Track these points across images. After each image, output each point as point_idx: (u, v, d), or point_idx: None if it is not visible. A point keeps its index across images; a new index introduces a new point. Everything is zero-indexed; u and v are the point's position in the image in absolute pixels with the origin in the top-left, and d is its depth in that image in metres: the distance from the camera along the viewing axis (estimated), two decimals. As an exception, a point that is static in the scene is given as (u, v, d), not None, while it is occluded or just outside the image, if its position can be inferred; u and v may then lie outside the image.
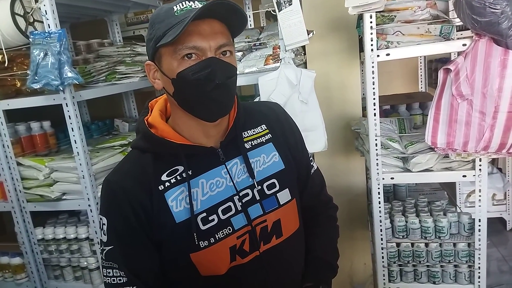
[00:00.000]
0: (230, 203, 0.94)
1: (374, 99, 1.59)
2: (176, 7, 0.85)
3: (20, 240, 2.02)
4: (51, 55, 1.68)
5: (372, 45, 1.53)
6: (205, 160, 0.94)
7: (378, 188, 1.67)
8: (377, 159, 1.64)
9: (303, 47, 2.09)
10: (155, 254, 0.94)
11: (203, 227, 0.91)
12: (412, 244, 1.68)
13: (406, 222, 1.69)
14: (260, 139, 1.02)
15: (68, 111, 1.77)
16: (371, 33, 1.52)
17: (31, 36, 1.67)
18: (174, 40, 0.81)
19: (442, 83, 1.45)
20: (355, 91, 2.04)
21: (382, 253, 1.71)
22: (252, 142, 1.00)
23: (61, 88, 1.71)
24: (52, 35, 1.68)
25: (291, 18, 1.52)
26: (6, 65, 1.76)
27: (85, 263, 2.00)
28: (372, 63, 1.55)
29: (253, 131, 1.02)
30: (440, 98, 1.47)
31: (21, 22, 1.67)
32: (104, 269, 0.94)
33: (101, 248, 0.94)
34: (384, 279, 1.73)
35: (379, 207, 1.68)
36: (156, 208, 0.90)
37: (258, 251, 0.96)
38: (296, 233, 1.03)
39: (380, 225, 1.69)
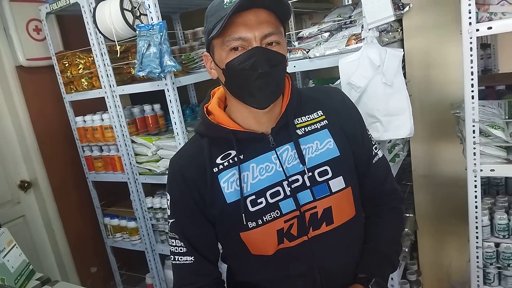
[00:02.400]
0: (279, 188, 0.96)
1: (472, 79, 1.40)
2: None
3: (134, 207, 2.34)
4: (153, 45, 1.87)
5: (470, 18, 1.34)
6: (256, 146, 0.98)
7: (475, 181, 1.48)
8: (474, 148, 1.45)
9: (399, 22, 1.93)
10: (210, 229, 1.02)
11: (251, 209, 0.95)
12: (515, 246, 1.47)
13: (509, 220, 1.48)
14: (315, 125, 1.01)
15: (169, 95, 1.96)
16: (469, 4, 1.33)
17: (137, 29, 1.88)
18: (219, 32, 0.86)
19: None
20: (459, 70, 1.80)
21: (477, 252, 1.53)
22: (305, 128, 1.00)
23: (162, 75, 1.90)
24: (154, 27, 1.87)
25: (375, -7, 1.42)
26: (118, 55, 2.02)
27: (185, 231, 2.22)
28: (470, 38, 1.36)
29: (308, 117, 1.01)
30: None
31: (129, 17, 1.89)
32: (169, 239, 1.05)
33: (167, 220, 1.06)
34: (478, 281, 1.55)
35: (475, 201, 1.50)
36: (210, 188, 0.97)
37: (307, 236, 0.96)
38: (350, 222, 1.00)
39: (476, 222, 1.51)
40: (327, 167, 0.97)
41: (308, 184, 0.96)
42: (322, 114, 1.02)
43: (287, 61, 0.98)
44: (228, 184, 0.97)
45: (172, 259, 1.04)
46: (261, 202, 0.95)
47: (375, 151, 1.08)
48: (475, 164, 1.47)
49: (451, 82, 1.85)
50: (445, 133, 1.92)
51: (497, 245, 1.50)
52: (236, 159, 0.97)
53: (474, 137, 1.44)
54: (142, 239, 2.40)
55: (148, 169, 2.20)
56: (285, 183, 0.96)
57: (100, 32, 1.99)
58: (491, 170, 1.45)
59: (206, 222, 1.01)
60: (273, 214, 0.95)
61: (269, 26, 0.87)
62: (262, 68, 0.87)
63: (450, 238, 2.09)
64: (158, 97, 2.21)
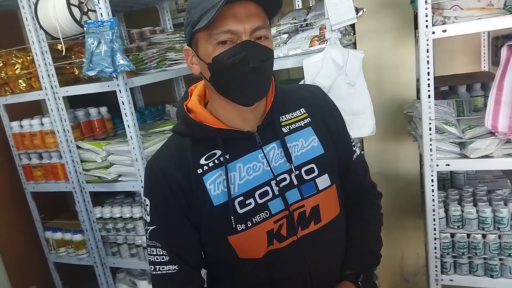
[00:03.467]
0: (267, 188, 0.93)
1: (428, 79, 1.48)
2: None
3: (81, 218, 2.17)
4: (104, 43, 1.75)
5: (427, 21, 1.42)
6: (242, 145, 0.94)
7: (432, 176, 1.57)
8: (431, 144, 1.54)
9: (352, 26, 1.99)
10: (195, 235, 0.96)
11: (240, 211, 0.91)
12: (468, 235, 1.57)
13: (462, 211, 1.58)
14: (299, 123, 0.99)
15: (121, 97, 1.84)
16: (426, 8, 1.41)
17: (85, 25, 1.75)
18: (208, 24, 0.80)
19: (505, 61, 1.31)
20: (409, 72, 1.92)
21: (435, 243, 1.62)
22: (290, 126, 0.98)
23: (114, 75, 1.78)
24: (104, 24, 1.75)
25: (338, -5, 1.45)
26: (63, 53, 1.87)
27: (140, 241, 2.11)
28: (427, 40, 1.44)
29: (292, 115, 1.00)
30: (502, 77, 1.33)
31: (76, 12, 1.76)
32: (148, 248, 0.97)
33: (145, 228, 0.98)
34: (436, 271, 1.64)
35: (433, 195, 1.58)
36: (194, 191, 0.92)
37: (296, 236, 0.95)
38: (336, 219, 1.00)
39: (433, 215, 1.59)
40: (313, 165, 0.97)
41: (295, 182, 0.95)
42: (305, 112, 1.01)
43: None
44: (214, 185, 0.92)
45: (152, 269, 0.96)
46: (250, 203, 0.92)
47: (354, 148, 1.09)
48: (431, 159, 1.55)
49: (402, 84, 1.95)
50: (397, 132, 2.02)
51: (452, 235, 1.60)
52: (222, 159, 0.92)
53: (430, 134, 1.53)
54: (90, 252, 2.23)
55: (97, 177, 2.05)
56: (273, 182, 0.93)
57: (42, 28, 1.81)
58: (446, 165, 1.54)
59: (191, 227, 0.95)
60: (262, 215, 0.92)
61: (259, 19, 0.84)
62: (253, 63, 0.83)
63: (400, 232, 2.19)
64: (98, 99, 2.07)
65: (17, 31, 1.91)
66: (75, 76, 2.11)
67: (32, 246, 2.43)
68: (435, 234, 1.61)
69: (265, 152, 0.94)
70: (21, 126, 2.14)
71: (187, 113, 0.95)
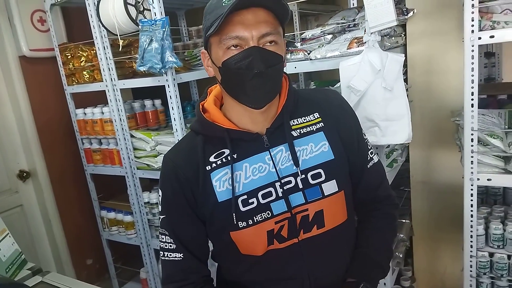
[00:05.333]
0: (271, 189, 0.95)
1: (472, 87, 1.40)
2: None
3: (131, 201, 2.35)
4: (155, 41, 1.87)
5: (473, 25, 1.33)
6: (250, 145, 0.97)
7: (471, 189, 1.48)
8: (472, 157, 1.45)
9: (403, 27, 1.92)
10: (201, 227, 1.01)
11: (242, 209, 0.94)
12: (509, 257, 1.46)
13: (504, 230, 1.47)
14: (311, 127, 1.00)
15: (169, 91, 1.96)
16: (472, 12, 1.32)
17: (140, 24, 1.88)
18: (216, 30, 0.85)
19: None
20: (460, 78, 1.79)
21: (471, 261, 1.52)
22: (301, 130, 0.99)
23: (163, 71, 1.90)
24: (157, 23, 1.87)
25: (378, -4, 1.41)
26: (120, 49, 2.02)
27: (180, 228, 2.22)
28: (472, 46, 1.35)
29: (304, 119, 1.01)
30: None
31: (133, 11, 1.89)
32: (159, 235, 1.05)
33: (158, 216, 1.06)
34: (471, 291, 1.55)
35: (471, 210, 1.49)
36: (202, 186, 0.97)
37: (297, 239, 0.96)
38: (341, 226, 1.00)
39: (471, 231, 1.50)
40: (320, 170, 0.97)
41: (300, 186, 0.96)
42: (318, 116, 1.01)
43: (285, 62, 0.97)
44: (220, 182, 0.96)
45: (161, 254, 1.04)
46: (253, 202, 0.95)
47: (371, 156, 1.07)
48: (472, 172, 1.46)
49: (452, 89, 1.84)
50: (444, 140, 1.91)
51: (491, 255, 1.50)
52: (229, 158, 0.96)
53: (472, 146, 1.44)
54: (137, 233, 2.41)
55: (146, 164, 2.20)
56: (277, 184, 0.95)
57: (103, 25, 1.99)
58: (488, 180, 1.44)
59: (197, 221, 1.00)
60: (264, 214, 0.94)
61: (267, 26, 0.87)
62: (258, 68, 0.86)
63: (446, 246, 2.08)
64: (160, 92, 2.21)
65: (87, 27, 2.10)
66: (133, 70, 2.27)
67: (89, 223, 2.68)
68: (471, 251, 1.52)
69: (272, 154, 0.97)
70: (85, 114, 2.37)
71: (201, 113, 1.00)
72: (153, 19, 1.88)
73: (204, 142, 0.99)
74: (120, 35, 1.96)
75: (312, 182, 0.96)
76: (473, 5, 1.31)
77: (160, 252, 1.04)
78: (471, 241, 1.51)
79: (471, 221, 1.50)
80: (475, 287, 1.54)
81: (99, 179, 2.54)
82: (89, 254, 2.81)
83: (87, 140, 2.44)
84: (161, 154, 2.15)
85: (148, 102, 2.39)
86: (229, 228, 0.96)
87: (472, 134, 1.43)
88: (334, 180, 0.97)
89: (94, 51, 2.16)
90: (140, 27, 1.89)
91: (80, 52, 2.19)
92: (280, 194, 0.95)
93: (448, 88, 1.85)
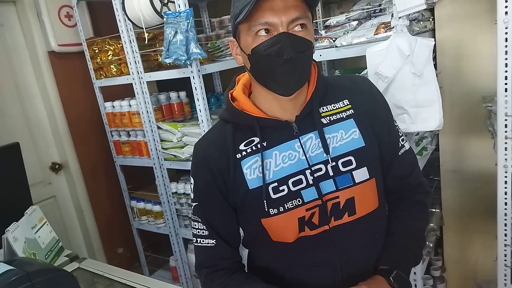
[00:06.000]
0: (301, 176, 0.95)
1: (506, 71, 1.35)
2: None
3: (159, 191, 2.40)
4: (180, 33, 1.89)
5: (506, 7, 1.29)
6: (279, 133, 0.97)
7: (505, 177, 1.44)
8: (506, 143, 1.41)
9: (431, 11, 1.87)
10: (232, 214, 1.03)
11: (273, 196, 0.95)
12: (546, 246, 1.42)
13: (540, 219, 1.43)
14: (341, 114, 0.99)
15: (194, 83, 1.98)
16: (506, -7, 1.28)
17: (165, 16, 1.90)
18: (246, 17, 0.84)
19: None
20: (492, 62, 1.74)
21: (505, 250, 1.49)
22: (331, 117, 0.98)
23: (188, 63, 1.92)
24: (181, 14, 1.88)
25: (405, -20, 1.38)
26: (146, 42, 2.05)
27: (207, 217, 2.26)
28: (506, 28, 1.31)
29: (334, 106, 1.00)
30: None
31: (157, 4, 1.91)
32: (192, 222, 1.07)
33: (190, 203, 1.08)
34: (505, 280, 1.51)
35: (505, 198, 1.45)
36: (232, 174, 0.98)
37: (328, 226, 0.96)
38: (373, 214, 0.99)
39: (505, 220, 1.47)
40: (351, 157, 0.96)
41: (331, 173, 0.95)
42: (348, 103, 1.00)
43: (314, 49, 0.96)
44: (250, 170, 0.97)
45: (194, 241, 1.06)
46: (283, 190, 0.95)
47: (402, 143, 1.05)
48: (506, 159, 1.42)
49: (484, 75, 1.78)
50: (476, 127, 1.86)
51: (526, 243, 1.46)
52: (259, 146, 0.97)
53: (506, 132, 1.40)
54: (166, 222, 2.46)
55: (173, 155, 2.24)
56: (307, 171, 0.95)
57: (128, 19, 2.02)
58: (523, 166, 1.40)
59: (229, 208, 1.02)
60: (295, 202, 0.94)
61: (297, 10, 0.85)
62: (288, 54, 0.85)
63: (477, 235, 2.04)
64: (184, 84, 2.23)
65: (113, 21, 2.14)
66: (158, 63, 2.30)
67: (120, 213, 2.75)
68: (505, 240, 1.49)
69: (301, 141, 0.96)
70: (113, 107, 2.42)
71: (230, 101, 1.00)
72: (177, 11, 1.90)
73: (234, 131, 1.00)
74: (145, 28, 1.98)
75: (342, 169, 0.95)
76: (507, -15, 1.27)
77: (193, 238, 1.06)
78: (505, 230, 1.48)
79: (505, 209, 1.46)
80: (509, 277, 1.51)
81: (128, 170, 2.61)
82: (120, 243, 2.89)
83: (116, 133, 2.50)
84: (188, 145, 2.18)
85: (173, 94, 2.42)
86: (260, 215, 0.96)
87: (506, 120, 1.39)
88: (365, 167, 0.96)
89: (121, 45, 2.20)
90: (165, 19, 1.90)
91: (107, 46, 2.24)
92: (311, 182, 0.95)
93: (479, 73, 1.79)
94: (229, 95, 1.03)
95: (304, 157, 0.96)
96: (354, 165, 0.96)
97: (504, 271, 1.51)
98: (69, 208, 2.67)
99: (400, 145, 1.05)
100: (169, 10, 1.96)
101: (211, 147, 1.02)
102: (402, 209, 1.07)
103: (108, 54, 2.24)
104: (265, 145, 0.97)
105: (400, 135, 1.06)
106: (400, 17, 1.45)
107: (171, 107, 2.42)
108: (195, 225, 1.06)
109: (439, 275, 2.11)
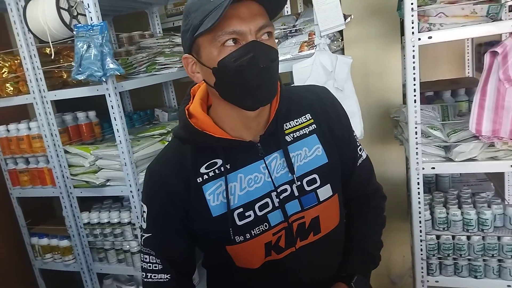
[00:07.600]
0: (268, 199, 0.91)
1: (414, 85, 1.52)
2: None
3: (68, 223, 2.14)
4: (93, 47, 1.74)
5: (413, 27, 1.46)
6: (244, 155, 0.92)
7: (418, 178, 1.60)
8: (416, 148, 1.57)
9: (340, 33, 2.03)
10: (191, 244, 0.96)
11: (239, 223, 0.90)
12: (453, 237, 1.61)
13: (447, 214, 1.62)
14: (304, 130, 0.96)
15: (110, 101, 1.84)
16: (412, 15, 1.45)
17: (75, 29, 1.74)
18: (213, 26, 0.77)
19: (488, 67, 1.36)
20: (396, 78, 1.97)
21: (421, 245, 1.65)
22: (294, 134, 0.96)
23: (104, 79, 1.78)
24: (94, 28, 1.74)
25: (327, 1, 1.49)
26: (52, 57, 1.85)
27: (128, 246, 2.08)
28: (413, 46, 1.48)
29: (296, 122, 0.97)
30: (486, 83, 1.38)
31: (66, 16, 1.75)
32: (142, 254, 0.97)
33: (141, 234, 0.97)
34: (422, 272, 1.67)
35: (419, 198, 1.62)
36: (193, 199, 0.91)
37: (294, 247, 0.94)
38: (335, 230, 1.00)
39: (420, 217, 1.63)
40: (315, 175, 0.94)
41: (296, 194, 0.93)
42: (310, 117, 0.98)
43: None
44: (214, 196, 0.90)
45: (143, 276, 0.96)
46: (249, 215, 0.90)
47: (360, 152, 1.07)
48: (417, 163, 1.59)
49: (388, 89, 2.00)
50: (384, 136, 2.06)
51: (438, 237, 1.64)
52: (222, 169, 0.90)
53: (416, 138, 1.57)
54: (76, 258, 2.20)
55: (85, 181, 2.03)
56: (273, 194, 0.92)
57: (30, 31, 1.80)
58: (432, 168, 1.58)
59: (187, 236, 0.95)
60: (261, 227, 0.90)
61: (263, 18, 0.81)
62: (263, 63, 0.80)
63: (388, 234, 2.22)
64: (86, 103, 2.06)
65: (4, 35, 1.88)
66: (63, 80, 2.09)
67: (16, 253, 2.38)
68: (421, 236, 1.65)
69: (266, 162, 0.92)
70: (8, 131, 2.11)
71: (188, 119, 0.91)
72: (89, 24, 1.75)
73: (193, 152, 0.92)
74: (51, 42, 1.78)
75: (307, 188, 0.94)
76: (412, 9, 1.44)
77: (143, 273, 0.96)
78: (420, 226, 1.64)
79: (419, 207, 1.63)
80: (426, 269, 1.67)
81: (27, 202, 2.28)
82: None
83: (12, 160, 2.17)
84: (103, 169, 2.00)
85: (81, 115, 2.20)
86: (225, 243, 0.91)
87: (416, 128, 1.56)
88: (329, 184, 0.96)
89: (19, 61, 1.94)
90: (75, 32, 1.74)
91: (2, 63, 1.96)
92: (277, 204, 0.92)
93: (384, 88, 2.00)
94: (186, 112, 0.93)
95: (269, 179, 0.92)
96: (318, 183, 0.95)
97: (421, 264, 1.67)
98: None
99: (358, 155, 1.07)
100: (79, 22, 1.81)
101: (167, 169, 0.93)
102: (360, 215, 1.10)
103: (3, 71, 1.96)
104: (228, 167, 0.91)
105: (358, 144, 1.08)
106: (322, 36, 1.56)
107: (79, 128, 2.20)
108: (146, 258, 0.95)
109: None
